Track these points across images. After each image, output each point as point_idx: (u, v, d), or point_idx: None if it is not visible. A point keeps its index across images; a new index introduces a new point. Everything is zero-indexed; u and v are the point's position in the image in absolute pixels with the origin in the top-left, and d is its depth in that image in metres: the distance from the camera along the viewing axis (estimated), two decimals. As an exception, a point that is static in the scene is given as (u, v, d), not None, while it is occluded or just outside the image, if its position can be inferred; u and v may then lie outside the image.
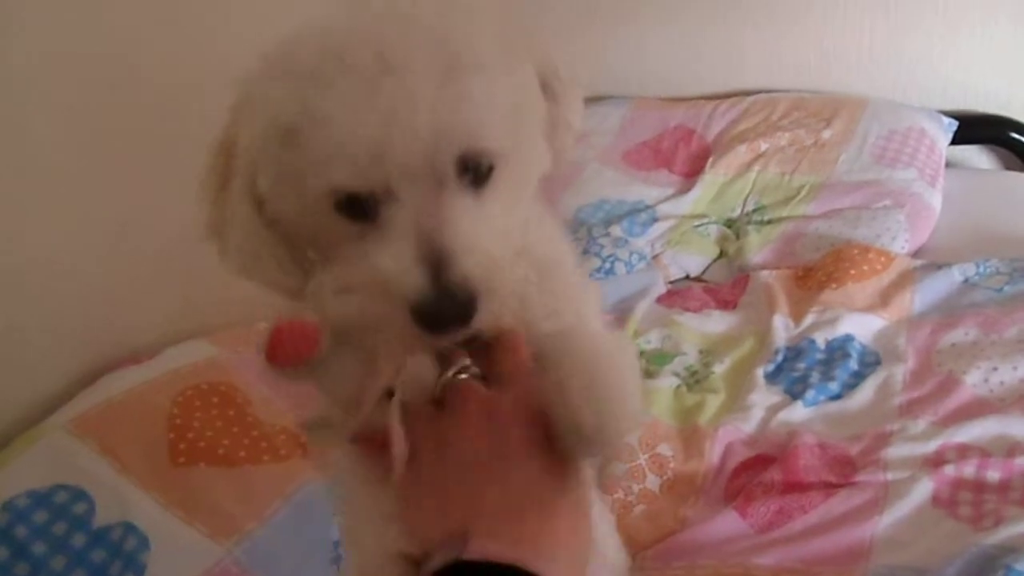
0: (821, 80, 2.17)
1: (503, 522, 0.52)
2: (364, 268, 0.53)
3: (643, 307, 1.70)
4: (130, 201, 1.43)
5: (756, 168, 1.99)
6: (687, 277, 1.90)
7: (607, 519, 1.02)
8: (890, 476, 1.16)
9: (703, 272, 1.91)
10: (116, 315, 1.42)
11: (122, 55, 1.42)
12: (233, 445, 1.21)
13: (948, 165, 1.94)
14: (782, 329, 1.52)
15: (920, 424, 1.24)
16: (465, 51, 0.53)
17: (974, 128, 2.03)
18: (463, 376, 0.59)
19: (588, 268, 1.77)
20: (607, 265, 1.81)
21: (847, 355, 1.42)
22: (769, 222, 1.89)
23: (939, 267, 1.56)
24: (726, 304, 1.70)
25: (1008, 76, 2.00)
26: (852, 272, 1.59)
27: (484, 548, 0.49)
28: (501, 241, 0.55)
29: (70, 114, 1.34)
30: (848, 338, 1.45)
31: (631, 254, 1.84)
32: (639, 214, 1.98)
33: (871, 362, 1.41)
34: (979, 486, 1.11)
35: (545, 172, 0.63)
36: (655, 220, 1.96)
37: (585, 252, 1.83)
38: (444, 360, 0.59)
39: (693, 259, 1.90)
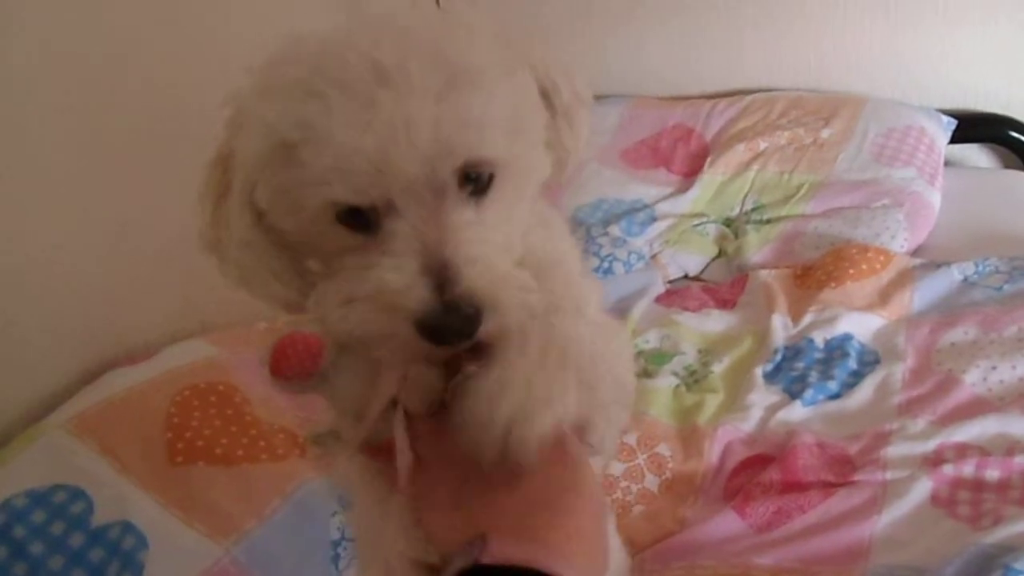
0: (820, 79, 2.16)
1: (520, 525, 0.52)
2: (367, 281, 0.53)
3: (642, 307, 1.70)
4: (130, 201, 1.43)
5: (755, 167, 1.99)
6: (686, 276, 1.90)
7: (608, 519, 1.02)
8: (889, 475, 1.16)
9: (702, 271, 1.91)
10: (116, 315, 1.43)
11: (122, 55, 1.42)
12: (231, 444, 1.21)
13: (947, 164, 1.94)
14: (781, 328, 1.52)
15: (919, 423, 1.24)
16: (463, 61, 0.53)
17: (973, 127, 2.02)
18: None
19: (587, 268, 1.77)
20: (605, 265, 1.81)
21: (846, 354, 1.42)
22: (768, 221, 1.88)
23: (938, 266, 1.56)
24: (725, 303, 1.70)
25: (1007, 75, 2.00)
26: (851, 271, 1.59)
27: (502, 551, 0.50)
28: (503, 251, 0.55)
29: (70, 114, 1.34)
30: (847, 337, 1.45)
31: (629, 254, 1.84)
32: (637, 213, 1.98)
33: (870, 361, 1.41)
34: (978, 485, 1.11)
35: (545, 178, 0.63)
36: (654, 219, 1.96)
37: (584, 252, 1.82)
38: (449, 365, 0.59)
39: (692, 258, 1.91)
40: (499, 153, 0.55)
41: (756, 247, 1.83)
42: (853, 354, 1.42)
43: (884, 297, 1.53)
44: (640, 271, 1.83)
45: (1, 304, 1.24)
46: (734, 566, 1.08)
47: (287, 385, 0.56)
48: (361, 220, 0.54)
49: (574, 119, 0.64)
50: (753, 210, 1.93)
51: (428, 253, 0.52)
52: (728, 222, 1.96)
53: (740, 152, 2.02)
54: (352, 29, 0.55)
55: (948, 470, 1.13)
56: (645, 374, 1.48)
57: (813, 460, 1.22)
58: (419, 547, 0.55)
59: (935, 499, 1.11)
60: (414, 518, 0.56)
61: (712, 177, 2.01)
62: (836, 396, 1.36)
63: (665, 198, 2.02)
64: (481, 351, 0.56)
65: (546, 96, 0.62)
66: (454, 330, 0.52)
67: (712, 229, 1.95)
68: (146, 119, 1.45)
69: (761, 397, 1.38)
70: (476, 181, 0.55)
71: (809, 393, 1.36)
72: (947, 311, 1.45)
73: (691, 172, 2.06)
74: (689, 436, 1.34)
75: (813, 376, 1.39)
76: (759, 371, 1.43)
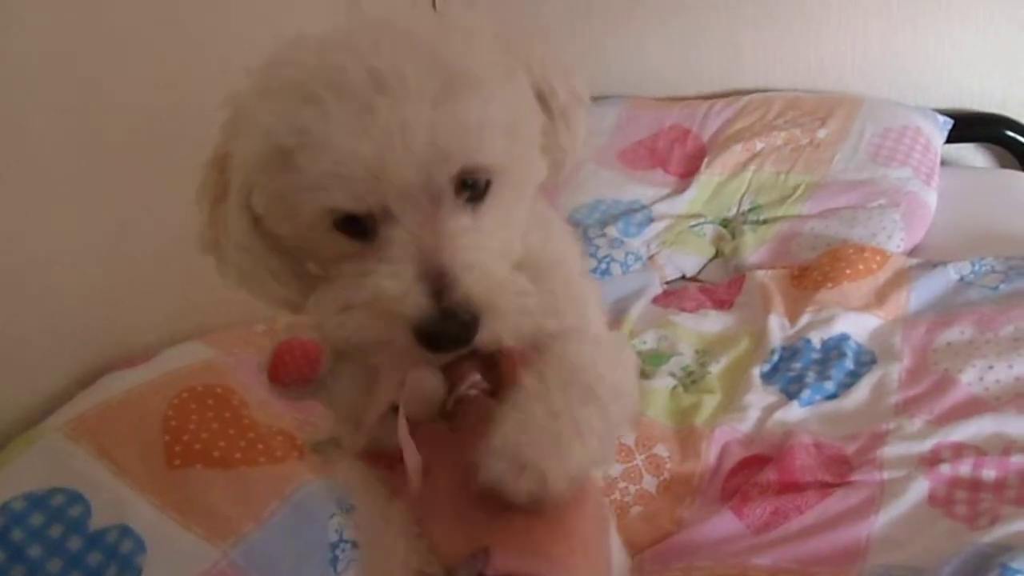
0: (818, 79, 2.17)
1: (523, 538, 0.52)
2: (364, 287, 0.53)
3: (639, 307, 1.71)
4: (130, 201, 1.43)
5: (752, 167, 1.99)
6: (683, 277, 1.90)
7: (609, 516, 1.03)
8: (886, 475, 1.16)
9: (699, 272, 1.92)
10: (116, 315, 1.42)
11: (122, 55, 1.42)
12: (229, 447, 1.20)
13: (944, 163, 1.95)
14: (778, 329, 1.52)
15: (916, 423, 1.24)
16: (460, 66, 0.53)
17: (970, 126, 2.03)
18: (473, 392, 0.59)
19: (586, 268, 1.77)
20: (603, 266, 1.82)
21: (843, 354, 1.42)
22: (765, 222, 1.89)
23: (934, 266, 1.56)
24: (722, 304, 1.70)
25: (1004, 74, 2.01)
26: (848, 271, 1.60)
27: (506, 564, 0.49)
28: (500, 256, 0.55)
29: (70, 114, 1.34)
30: (844, 337, 1.46)
31: (627, 255, 1.85)
32: (635, 214, 1.98)
33: (867, 361, 1.42)
34: (975, 485, 1.12)
35: (541, 181, 0.63)
36: (651, 220, 1.97)
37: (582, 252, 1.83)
38: (451, 374, 0.59)
39: (689, 259, 1.91)
40: (496, 159, 0.55)
41: (753, 248, 1.83)
42: (850, 354, 1.42)
43: (880, 297, 1.54)
44: (637, 272, 1.83)
45: (1, 304, 1.24)
46: (731, 567, 1.09)
47: (285, 392, 0.56)
48: (358, 227, 0.54)
49: (571, 119, 0.64)
50: (750, 211, 1.94)
51: (425, 259, 0.52)
52: (725, 223, 1.97)
53: (737, 153, 2.02)
54: (351, 31, 0.55)
55: (945, 470, 1.14)
56: (642, 375, 1.48)
57: (810, 460, 1.22)
58: (422, 558, 0.55)
59: (932, 499, 1.11)
60: (416, 528, 0.56)
61: (709, 178, 2.01)
62: (833, 396, 1.36)
63: (662, 199, 2.02)
64: (483, 358, 0.57)
65: (543, 98, 0.61)
66: (451, 336, 0.52)
67: (709, 230, 1.95)
68: (146, 119, 1.45)
69: (758, 398, 1.39)
70: (473, 187, 0.55)
71: (806, 393, 1.36)
72: (943, 311, 1.45)
73: (688, 173, 2.06)
74: (686, 437, 1.34)
75: (810, 376, 1.40)
76: (756, 372, 1.44)
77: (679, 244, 1.92)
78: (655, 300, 1.76)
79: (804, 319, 1.53)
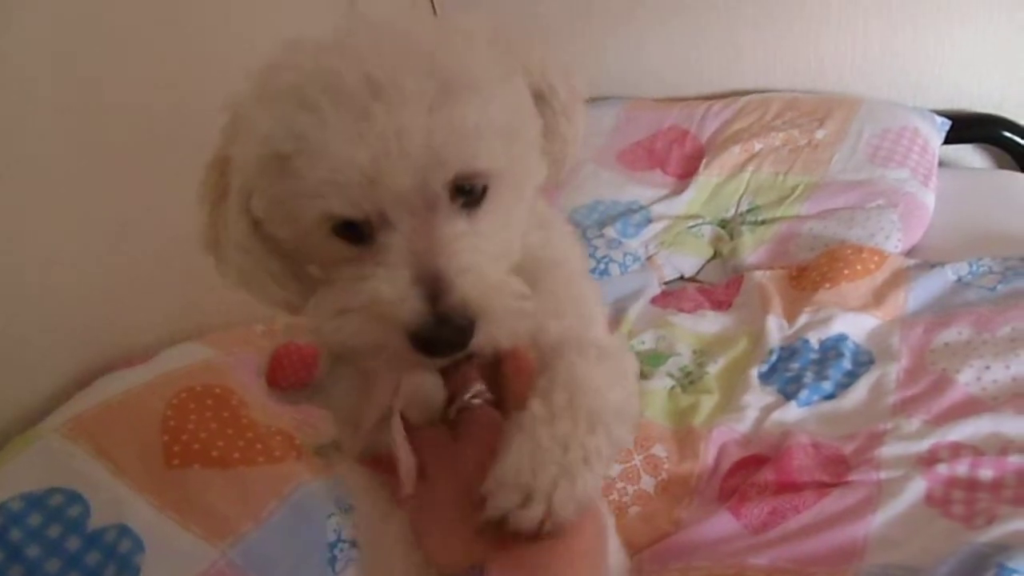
0: (818, 80, 2.17)
1: (521, 552, 0.52)
2: (361, 292, 0.53)
3: (637, 308, 1.71)
4: (130, 201, 1.43)
5: (750, 168, 2.00)
6: (681, 278, 1.90)
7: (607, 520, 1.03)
8: (883, 475, 1.16)
9: (697, 273, 1.92)
10: (115, 315, 1.42)
11: (122, 55, 1.42)
12: (228, 447, 1.21)
13: (941, 164, 1.95)
14: (776, 329, 1.52)
15: (913, 423, 1.24)
16: (457, 71, 0.53)
17: (967, 127, 2.03)
18: (477, 401, 0.59)
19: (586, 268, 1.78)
20: (601, 266, 1.82)
21: (840, 355, 1.42)
22: (763, 222, 1.89)
23: (932, 266, 1.57)
24: (720, 305, 1.70)
25: (1002, 75, 2.01)
26: (846, 272, 1.60)
27: None
28: (497, 260, 0.55)
29: (70, 114, 1.34)
30: (841, 337, 1.46)
31: (625, 255, 1.85)
32: (633, 215, 1.98)
33: (864, 361, 1.42)
34: (972, 485, 1.12)
35: (540, 183, 0.63)
36: (649, 221, 1.97)
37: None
38: (452, 379, 0.59)
39: (687, 260, 1.91)
40: (493, 163, 0.55)
41: (751, 248, 1.83)
42: (848, 354, 1.43)
43: (878, 297, 1.54)
44: (636, 272, 1.83)
45: (1, 305, 1.24)
46: (729, 567, 1.09)
47: (283, 396, 0.56)
48: (356, 232, 0.54)
49: (572, 117, 0.64)
50: (748, 211, 1.94)
51: (420, 264, 0.52)
52: (723, 223, 1.97)
53: (735, 153, 2.02)
54: (349, 34, 0.55)
55: (942, 470, 1.14)
56: (641, 375, 1.47)
57: (808, 460, 1.22)
58: (420, 568, 0.56)
59: (929, 499, 1.11)
60: (414, 537, 0.56)
61: (707, 179, 2.01)
62: (831, 396, 1.36)
63: (660, 200, 2.03)
64: (485, 364, 0.56)
65: (542, 98, 0.62)
66: (446, 341, 0.52)
67: (707, 230, 1.95)
68: (146, 119, 1.45)
69: (756, 398, 1.39)
70: (469, 192, 0.55)
71: (804, 394, 1.37)
72: (941, 311, 1.45)
73: (686, 174, 2.07)
74: (684, 437, 1.35)
75: (808, 377, 1.40)
76: (754, 372, 1.44)
77: (677, 245, 1.92)
78: (653, 301, 1.76)
79: (802, 319, 1.53)
